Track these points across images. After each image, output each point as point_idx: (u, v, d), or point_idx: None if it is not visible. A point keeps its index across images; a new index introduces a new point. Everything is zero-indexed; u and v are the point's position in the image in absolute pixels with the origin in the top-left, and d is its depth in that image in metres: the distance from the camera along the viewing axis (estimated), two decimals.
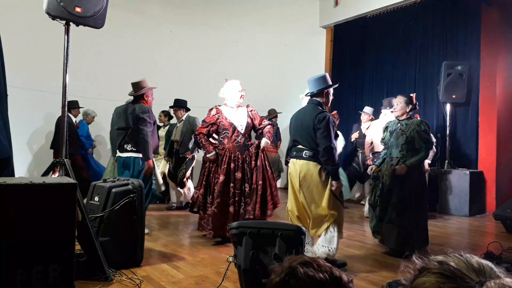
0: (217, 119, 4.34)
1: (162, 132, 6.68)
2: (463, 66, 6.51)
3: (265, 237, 2.43)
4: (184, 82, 8.36)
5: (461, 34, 6.92)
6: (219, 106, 4.46)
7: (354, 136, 6.92)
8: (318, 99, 3.48)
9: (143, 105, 4.49)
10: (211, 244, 4.18)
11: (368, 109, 7.02)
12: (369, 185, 4.19)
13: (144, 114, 4.37)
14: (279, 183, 7.18)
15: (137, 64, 7.91)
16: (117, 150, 4.48)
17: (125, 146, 4.44)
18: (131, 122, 4.40)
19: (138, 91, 4.54)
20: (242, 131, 4.35)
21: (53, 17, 3.03)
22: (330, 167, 3.26)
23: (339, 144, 6.00)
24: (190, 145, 5.94)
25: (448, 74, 6.49)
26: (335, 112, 6.81)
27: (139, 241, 3.36)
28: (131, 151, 4.42)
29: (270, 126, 4.50)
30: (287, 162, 4.60)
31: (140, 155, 4.40)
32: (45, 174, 3.17)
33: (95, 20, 3.19)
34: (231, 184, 4.19)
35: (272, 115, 7.69)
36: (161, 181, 5.99)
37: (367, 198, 5.11)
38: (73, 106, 6.69)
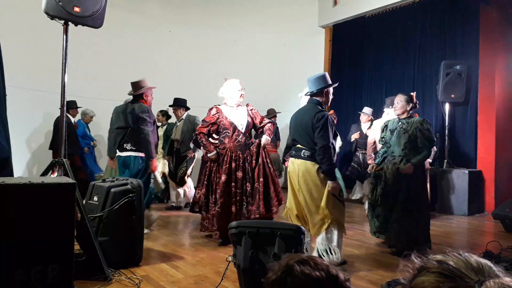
0: (218, 118, 4.33)
1: (160, 132, 6.67)
2: (462, 66, 6.52)
3: (264, 237, 2.43)
4: (183, 82, 8.35)
5: (460, 33, 6.92)
6: (219, 105, 4.45)
7: (355, 136, 6.92)
8: (318, 98, 3.48)
9: (143, 104, 4.49)
10: (210, 243, 4.18)
11: (367, 110, 7.03)
12: (370, 184, 4.17)
13: (143, 113, 4.37)
14: (279, 182, 7.17)
15: (136, 64, 7.90)
16: (117, 150, 4.49)
17: (125, 145, 4.45)
18: (131, 122, 4.40)
19: (138, 91, 4.55)
20: (243, 130, 4.34)
21: (52, 17, 3.03)
22: (326, 166, 3.25)
23: (337, 143, 5.99)
24: (192, 144, 5.94)
25: (447, 73, 6.50)
26: (332, 111, 6.81)
27: (138, 240, 3.36)
28: (131, 150, 4.43)
29: (270, 124, 4.50)
30: (284, 161, 4.59)
31: (140, 154, 4.40)
32: (44, 174, 3.17)
33: (94, 20, 3.18)
34: (232, 184, 4.17)
35: (271, 114, 7.69)
36: (160, 180, 5.99)
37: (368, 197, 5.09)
38: (71, 106, 6.68)
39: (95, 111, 7.33)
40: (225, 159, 4.22)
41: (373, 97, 8.24)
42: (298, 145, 3.44)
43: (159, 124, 6.86)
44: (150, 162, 4.42)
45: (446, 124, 6.69)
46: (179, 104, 6.29)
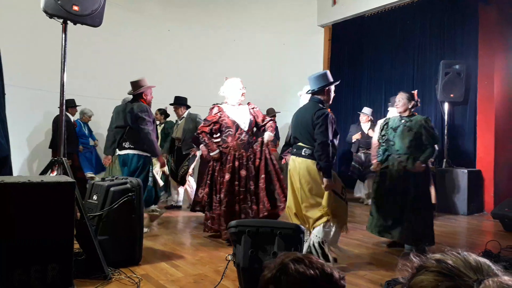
0: (220, 117, 4.31)
1: (158, 130, 6.68)
2: (461, 65, 6.52)
3: (264, 236, 2.44)
4: (183, 81, 8.34)
5: (459, 33, 6.92)
6: (220, 104, 4.45)
7: (356, 137, 6.91)
8: (319, 96, 3.48)
9: (142, 104, 4.49)
10: (210, 243, 4.19)
11: (367, 110, 7.03)
12: (374, 183, 4.14)
13: (142, 113, 4.37)
14: None
15: (135, 63, 7.89)
16: (117, 149, 4.51)
17: (124, 144, 4.47)
18: (130, 121, 4.41)
19: (137, 90, 4.55)
20: (246, 129, 4.32)
21: (51, 16, 3.03)
22: (323, 163, 3.23)
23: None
24: None
25: (446, 73, 6.50)
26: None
27: (137, 239, 3.36)
28: (129, 148, 4.44)
29: (272, 121, 4.51)
30: (281, 158, 4.56)
31: (138, 152, 4.42)
32: (44, 172, 3.17)
33: (93, 19, 3.18)
34: (236, 183, 4.16)
35: (271, 114, 7.67)
36: (159, 179, 5.99)
37: (372, 196, 5.06)
38: (70, 104, 6.67)
39: (94, 110, 7.32)
40: (229, 158, 4.20)
41: (373, 96, 8.24)
42: (299, 143, 3.44)
43: (157, 122, 6.87)
44: (158, 158, 4.68)
45: (445, 123, 6.69)
46: (180, 102, 6.29)
